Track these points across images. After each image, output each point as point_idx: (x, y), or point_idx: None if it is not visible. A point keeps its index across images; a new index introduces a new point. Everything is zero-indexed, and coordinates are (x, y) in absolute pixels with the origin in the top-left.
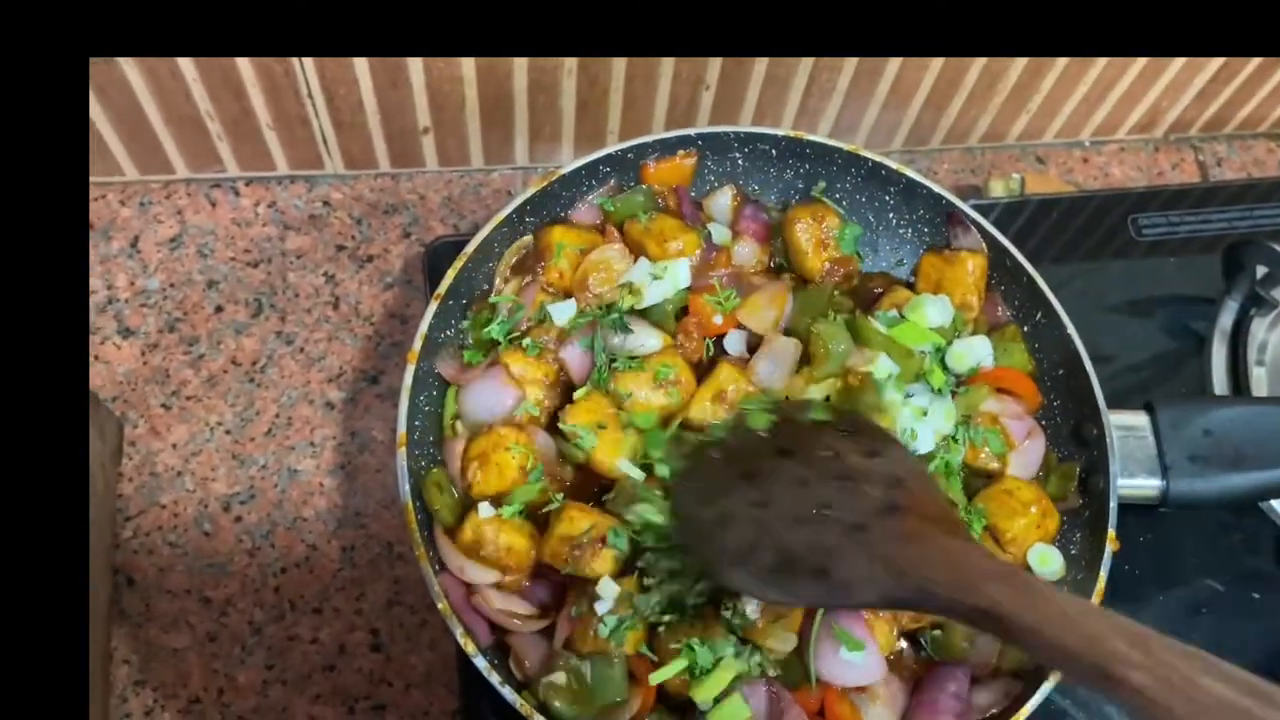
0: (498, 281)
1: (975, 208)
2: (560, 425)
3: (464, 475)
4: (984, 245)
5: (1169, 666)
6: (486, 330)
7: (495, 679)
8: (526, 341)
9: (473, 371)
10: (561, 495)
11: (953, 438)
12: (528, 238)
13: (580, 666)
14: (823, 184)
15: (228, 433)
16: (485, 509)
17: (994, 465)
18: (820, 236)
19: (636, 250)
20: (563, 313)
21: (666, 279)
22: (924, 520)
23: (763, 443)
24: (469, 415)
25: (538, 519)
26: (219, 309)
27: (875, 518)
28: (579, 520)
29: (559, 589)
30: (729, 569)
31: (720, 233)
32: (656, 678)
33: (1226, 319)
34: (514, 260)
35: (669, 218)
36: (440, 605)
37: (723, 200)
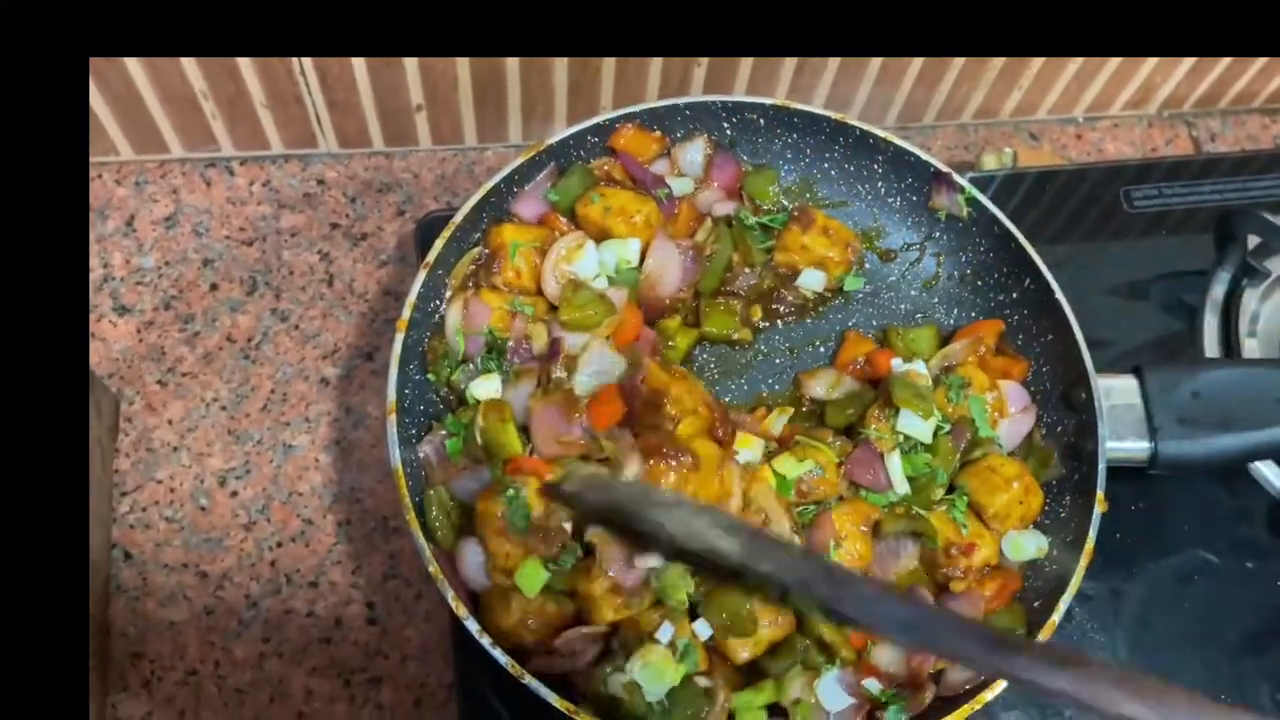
0: (447, 294)
1: (969, 181)
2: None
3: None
4: (968, 210)
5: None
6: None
7: (486, 641)
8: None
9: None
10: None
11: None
12: (477, 249)
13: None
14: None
15: (223, 409)
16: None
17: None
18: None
19: (600, 235)
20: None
21: (613, 263)
22: None
23: None
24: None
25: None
26: (214, 287)
27: None
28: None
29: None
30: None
31: (682, 185)
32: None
33: (1218, 290)
34: (467, 271)
35: (621, 191)
36: (431, 569)
37: (694, 152)
